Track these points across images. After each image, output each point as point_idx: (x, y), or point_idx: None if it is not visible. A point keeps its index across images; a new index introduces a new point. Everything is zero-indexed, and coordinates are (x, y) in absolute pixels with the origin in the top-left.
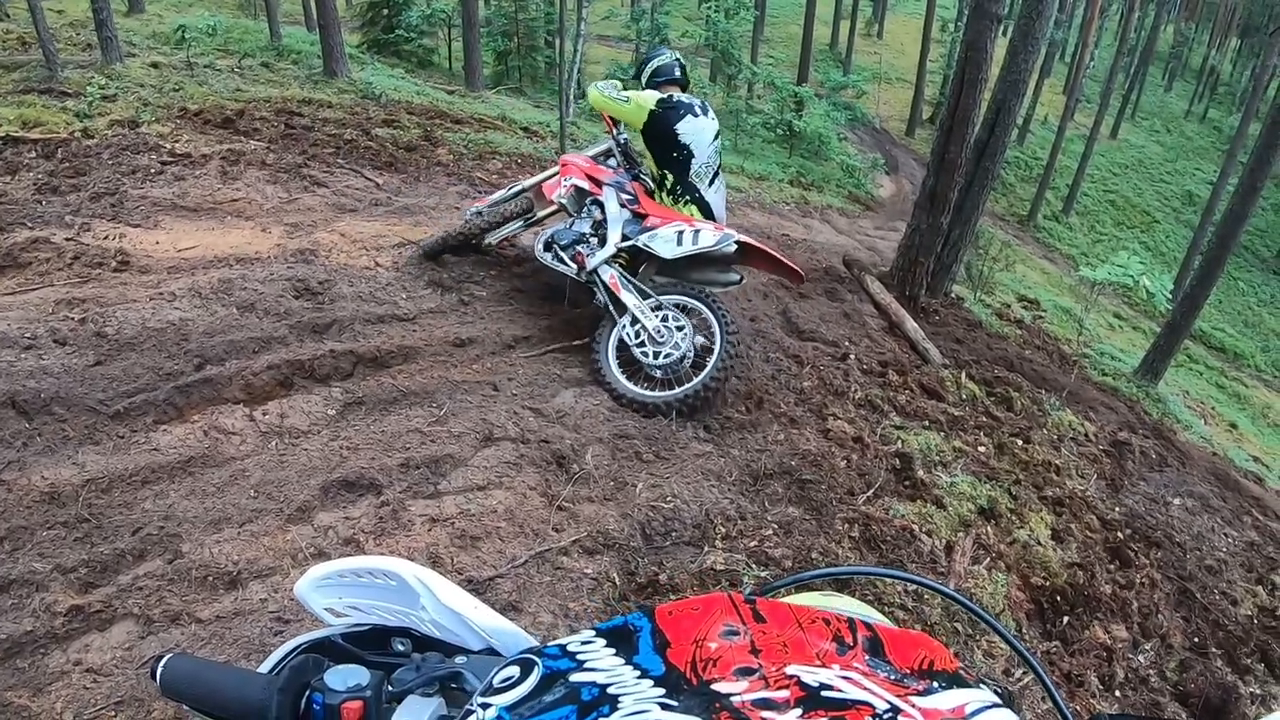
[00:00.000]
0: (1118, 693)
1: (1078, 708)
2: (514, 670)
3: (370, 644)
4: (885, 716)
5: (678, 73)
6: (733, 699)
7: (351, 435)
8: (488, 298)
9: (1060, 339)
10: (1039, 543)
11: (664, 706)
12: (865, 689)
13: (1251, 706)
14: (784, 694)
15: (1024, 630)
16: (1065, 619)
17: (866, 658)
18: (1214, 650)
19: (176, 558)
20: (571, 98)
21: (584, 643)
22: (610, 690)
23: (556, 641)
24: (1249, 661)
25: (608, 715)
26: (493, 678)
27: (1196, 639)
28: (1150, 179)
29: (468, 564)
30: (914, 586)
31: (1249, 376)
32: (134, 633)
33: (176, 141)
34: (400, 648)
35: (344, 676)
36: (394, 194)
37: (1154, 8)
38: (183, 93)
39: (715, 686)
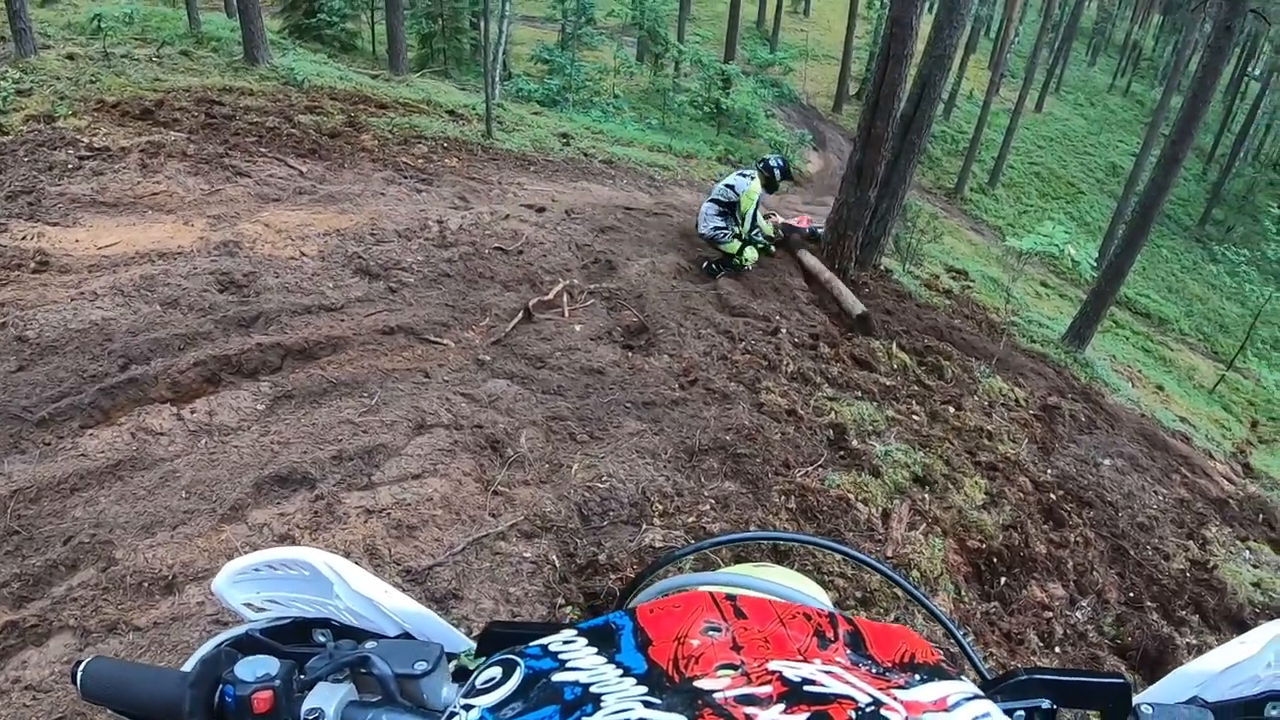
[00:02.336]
0: (1057, 649)
1: (1017, 665)
2: (496, 671)
3: (292, 637)
4: (868, 710)
5: (760, 165)
6: (715, 695)
7: (282, 429)
8: (415, 284)
9: (988, 308)
10: (974, 507)
11: (647, 704)
12: (847, 683)
13: (1188, 657)
14: (766, 689)
15: (963, 592)
16: (1003, 580)
17: (848, 652)
18: (1149, 604)
19: (110, 565)
20: (497, 79)
21: (565, 642)
22: (593, 689)
23: (538, 641)
24: (1184, 613)
25: (591, 714)
26: (475, 679)
27: (1131, 594)
28: (1075, 151)
29: (405, 554)
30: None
31: (1174, 340)
32: (72, 645)
33: (94, 135)
34: (321, 639)
35: (253, 667)
36: (318, 182)
37: None
38: (100, 84)
39: (698, 683)
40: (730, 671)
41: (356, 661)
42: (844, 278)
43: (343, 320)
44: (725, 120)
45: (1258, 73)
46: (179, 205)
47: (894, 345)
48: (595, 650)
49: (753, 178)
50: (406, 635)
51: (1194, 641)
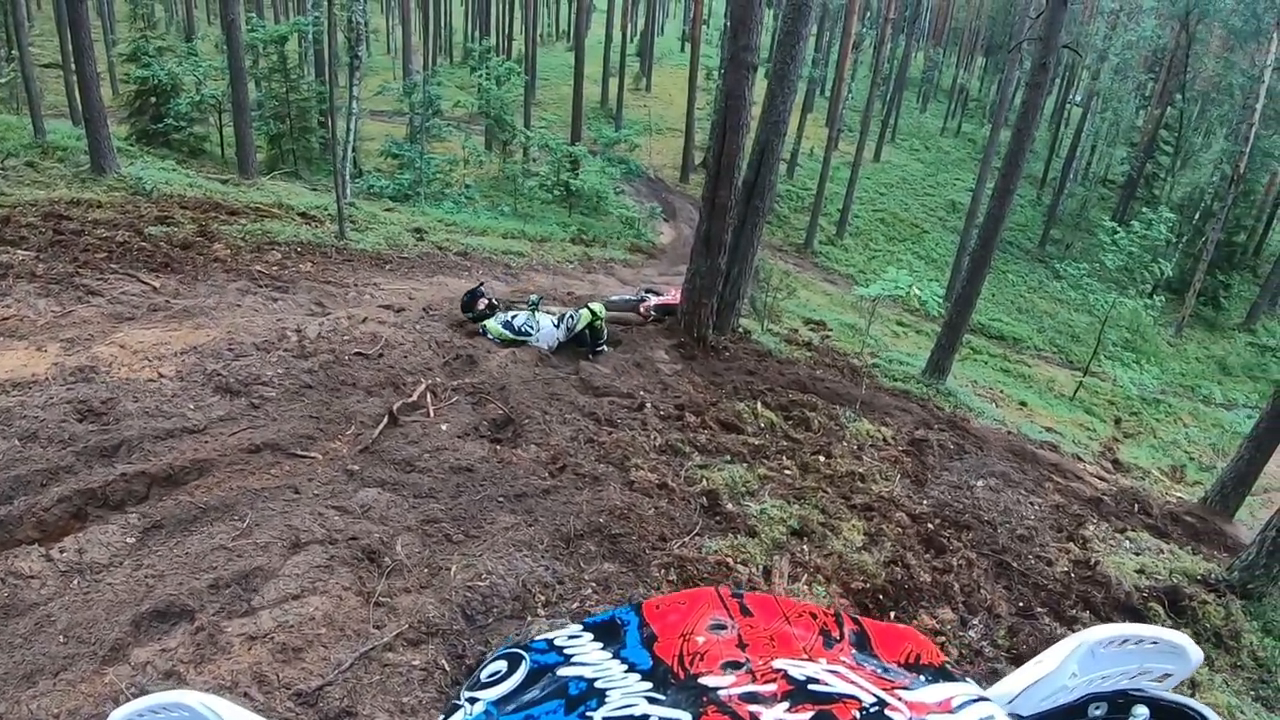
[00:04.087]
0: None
1: None
2: (501, 665)
3: None
4: (872, 710)
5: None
6: (720, 692)
7: (155, 562)
8: (278, 397)
9: (849, 353)
10: (854, 549)
11: (651, 700)
12: (852, 682)
13: None
14: (771, 687)
15: None
16: (891, 614)
17: (853, 651)
18: (1039, 610)
19: None
20: (347, 178)
21: (571, 637)
22: (598, 684)
23: (544, 636)
24: (1074, 612)
25: (595, 709)
26: (480, 672)
27: (1021, 604)
28: (915, 194)
29: (294, 677)
30: None
31: (1030, 357)
32: None
33: None
34: None
35: None
36: (172, 297)
37: (904, 39)
38: None
39: (703, 680)
40: (735, 669)
41: None
42: (703, 345)
43: (207, 442)
44: (576, 201)
45: (1078, 99)
46: (31, 330)
47: (759, 404)
48: (601, 645)
49: (495, 334)
50: None
51: None
